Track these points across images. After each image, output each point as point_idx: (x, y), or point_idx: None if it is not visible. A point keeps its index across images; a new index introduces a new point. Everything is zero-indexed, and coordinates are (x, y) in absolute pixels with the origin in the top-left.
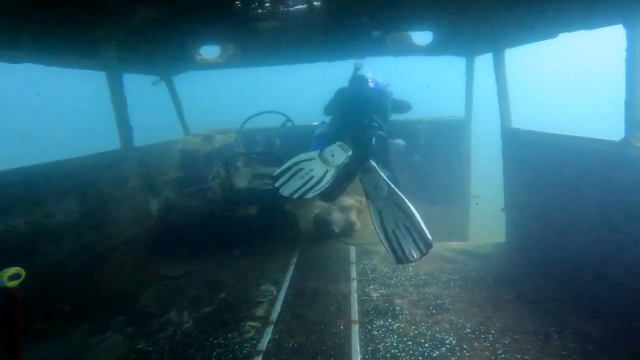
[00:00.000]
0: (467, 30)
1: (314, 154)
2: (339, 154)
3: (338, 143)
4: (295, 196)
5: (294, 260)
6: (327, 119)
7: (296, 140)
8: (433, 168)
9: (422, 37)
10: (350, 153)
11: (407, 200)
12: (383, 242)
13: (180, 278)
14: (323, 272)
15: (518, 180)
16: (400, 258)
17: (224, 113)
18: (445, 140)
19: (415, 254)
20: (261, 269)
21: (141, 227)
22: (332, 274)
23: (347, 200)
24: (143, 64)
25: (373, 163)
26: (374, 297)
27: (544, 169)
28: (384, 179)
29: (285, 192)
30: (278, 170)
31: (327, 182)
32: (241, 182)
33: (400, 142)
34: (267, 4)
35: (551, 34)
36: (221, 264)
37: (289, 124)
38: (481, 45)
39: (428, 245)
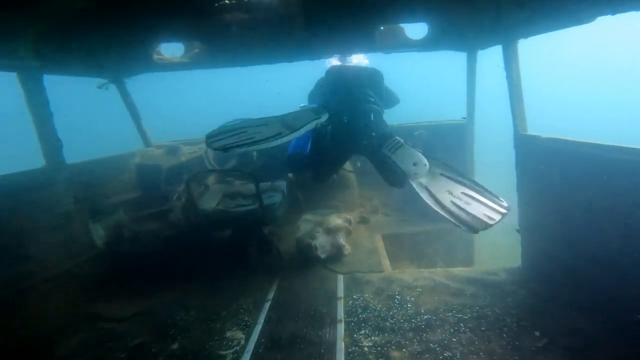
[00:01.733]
0: (470, 19)
1: (275, 118)
2: (304, 119)
3: (313, 106)
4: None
5: (271, 294)
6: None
7: (276, 151)
8: None
9: (415, 30)
10: (324, 118)
11: (455, 169)
12: (445, 216)
13: (125, 320)
14: (305, 310)
15: (536, 196)
16: (475, 226)
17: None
18: (445, 147)
19: (495, 216)
20: (229, 308)
21: (78, 260)
22: (315, 313)
23: (335, 220)
24: (78, 64)
25: (399, 138)
26: (365, 349)
27: (571, 184)
28: (420, 153)
29: (214, 145)
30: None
31: (269, 141)
32: (209, 202)
33: None
34: None
35: (586, 18)
36: (180, 301)
37: None
38: (487, 37)
39: (504, 206)
